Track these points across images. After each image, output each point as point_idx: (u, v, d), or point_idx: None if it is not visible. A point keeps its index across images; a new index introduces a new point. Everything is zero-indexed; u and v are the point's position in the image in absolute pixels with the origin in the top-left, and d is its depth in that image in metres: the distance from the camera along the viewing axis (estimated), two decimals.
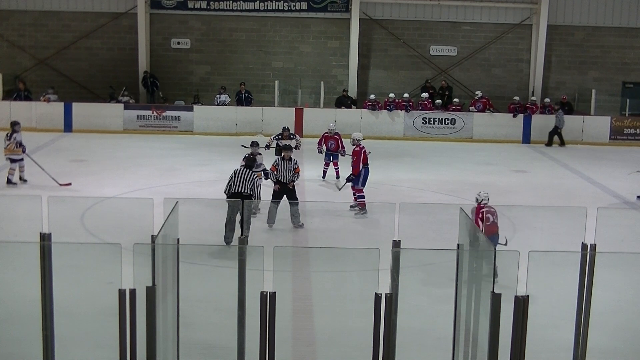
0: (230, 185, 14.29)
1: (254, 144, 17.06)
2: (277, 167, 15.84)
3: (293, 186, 15.85)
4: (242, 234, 12.82)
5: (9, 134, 19.06)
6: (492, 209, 12.25)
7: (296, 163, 16.01)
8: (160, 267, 7.04)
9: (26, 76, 30.45)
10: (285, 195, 15.67)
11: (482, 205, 12.44)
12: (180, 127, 28.67)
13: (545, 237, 14.60)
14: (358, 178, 16.98)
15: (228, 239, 13.63)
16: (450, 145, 27.94)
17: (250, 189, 14.20)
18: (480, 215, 12.26)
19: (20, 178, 19.03)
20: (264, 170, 17.00)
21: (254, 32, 31.35)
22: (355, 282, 8.99)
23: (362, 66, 31.24)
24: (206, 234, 13.59)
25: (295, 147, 20.10)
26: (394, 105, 29.11)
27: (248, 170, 14.45)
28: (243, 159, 14.87)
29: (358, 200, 16.85)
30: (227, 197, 14.17)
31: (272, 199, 15.82)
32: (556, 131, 28.58)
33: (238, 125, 28.55)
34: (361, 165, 17.00)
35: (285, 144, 17.70)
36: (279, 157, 16.24)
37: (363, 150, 17.14)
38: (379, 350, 6.86)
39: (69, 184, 18.70)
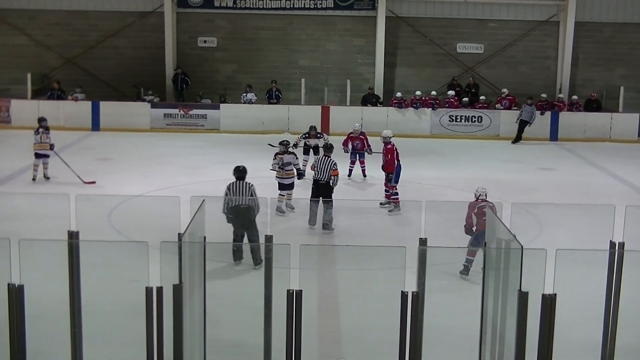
0: (228, 202, 13.30)
1: (284, 143, 17.05)
2: (315, 166, 16.03)
3: (329, 185, 15.75)
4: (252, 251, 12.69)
5: (36, 129, 19.31)
6: (491, 204, 12.21)
7: (335, 165, 15.87)
8: (187, 265, 7.07)
9: (54, 75, 30.63)
10: (320, 195, 15.66)
11: (479, 200, 12.50)
12: (206, 125, 28.74)
13: (573, 235, 14.52)
14: (397, 175, 17.00)
15: (237, 257, 12.96)
16: (476, 143, 27.81)
17: (249, 200, 13.27)
18: (476, 210, 12.33)
19: (44, 176, 19.18)
20: (298, 170, 16.99)
21: (280, 31, 31.37)
22: (382, 281, 8.99)
23: (388, 64, 31.16)
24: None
25: (294, 145, 20.29)
26: (420, 103, 29.04)
27: (241, 181, 13.57)
28: (233, 172, 13.87)
29: (392, 197, 16.85)
30: (228, 215, 13.12)
31: (311, 195, 15.90)
32: (524, 125, 27.92)
33: (264, 123, 28.58)
34: (395, 162, 17.04)
35: (326, 144, 17.68)
36: (320, 156, 16.45)
37: (395, 149, 17.19)
38: (405, 348, 6.86)
39: (94, 182, 18.81)
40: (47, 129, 19.42)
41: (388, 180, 17.15)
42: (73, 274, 7.29)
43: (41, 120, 19.62)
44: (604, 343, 8.07)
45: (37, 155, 19.18)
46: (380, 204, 16.99)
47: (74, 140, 25.58)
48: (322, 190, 15.73)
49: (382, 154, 17.55)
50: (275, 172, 16.61)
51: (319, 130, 21.48)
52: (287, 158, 16.63)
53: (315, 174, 15.85)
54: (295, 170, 16.83)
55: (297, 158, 17.07)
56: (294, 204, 16.63)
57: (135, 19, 30.98)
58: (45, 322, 8.69)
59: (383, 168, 17.35)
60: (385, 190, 17.17)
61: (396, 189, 16.96)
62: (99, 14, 31.02)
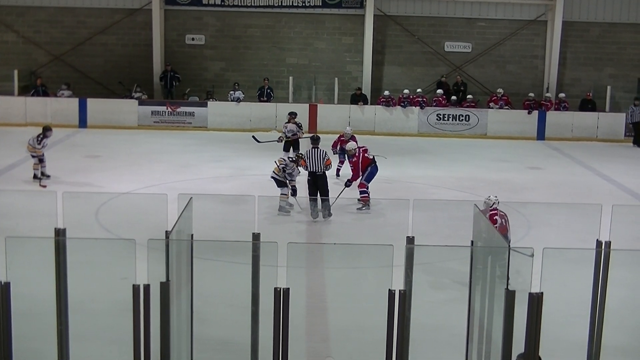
0: None
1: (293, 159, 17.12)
2: (305, 159, 16.35)
3: (324, 175, 16.32)
4: None
5: (40, 138, 18.93)
6: (502, 212, 12.25)
7: (326, 154, 16.54)
8: (174, 262, 7.06)
9: (42, 72, 30.53)
10: (317, 188, 16.24)
11: (490, 209, 12.41)
12: (194, 123, 28.73)
13: (560, 234, 14.58)
14: (369, 175, 17.05)
15: None
16: (464, 142, 27.87)
17: None
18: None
19: (43, 174, 18.97)
20: (294, 187, 16.78)
21: (268, 29, 31.35)
22: (369, 279, 9.00)
23: (376, 62, 31.18)
24: (220, 229, 13.60)
25: (279, 140, 20.52)
26: (408, 101, 29.07)
27: None
28: None
29: (361, 195, 16.89)
30: None
31: (309, 190, 16.33)
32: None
33: (252, 121, 28.57)
34: (360, 173, 17.04)
35: (313, 136, 17.73)
36: (308, 149, 16.65)
37: (361, 155, 17.19)
38: (392, 347, 6.86)
39: (44, 186, 18.51)
40: (45, 143, 19.08)
41: (345, 186, 17.18)
42: (60, 272, 7.25)
43: (47, 129, 19.24)
44: (591, 341, 8.09)
45: (32, 156, 18.99)
46: (358, 209, 16.94)
47: (62, 137, 25.47)
48: (319, 181, 16.26)
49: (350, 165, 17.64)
50: (276, 168, 16.48)
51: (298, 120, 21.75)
52: (296, 172, 16.67)
53: (309, 168, 16.06)
54: (289, 184, 16.63)
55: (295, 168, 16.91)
56: (291, 201, 16.63)
57: (123, 16, 30.91)
58: (32, 320, 8.66)
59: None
60: (361, 192, 17.08)
61: (365, 187, 16.97)
62: (87, 11, 30.94)
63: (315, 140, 17.00)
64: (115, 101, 29.27)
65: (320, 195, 16.07)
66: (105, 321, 9.84)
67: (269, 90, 29.66)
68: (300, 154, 17.15)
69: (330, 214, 15.83)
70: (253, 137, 21.14)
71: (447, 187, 19.58)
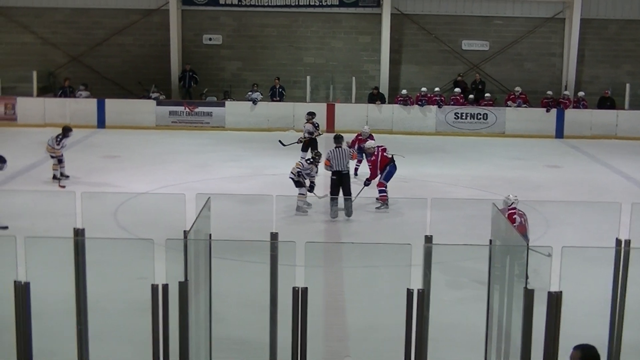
0: None
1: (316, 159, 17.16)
2: (330, 159, 16.33)
3: (349, 174, 16.48)
4: None
5: (59, 138, 18.99)
6: (521, 212, 12.19)
7: (349, 151, 16.84)
8: (192, 262, 7.07)
9: (59, 73, 30.67)
10: (341, 186, 16.25)
11: (509, 208, 12.34)
12: (212, 123, 28.76)
13: (579, 233, 14.51)
14: (388, 174, 17.03)
15: None
16: (482, 140, 27.79)
17: None
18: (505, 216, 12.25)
19: (62, 174, 19.00)
20: (312, 183, 16.83)
21: (285, 28, 31.36)
22: (387, 278, 8.98)
23: (393, 61, 31.13)
24: (238, 229, 13.63)
25: (298, 141, 20.54)
26: (425, 100, 29.01)
27: None
28: None
29: (380, 194, 16.88)
30: None
31: (331, 190, 16.32)
32: None
33: (270, 120, 28.59)
34: (378, 172, 17.02)
35: (336, 135, 17.72)
36: (332, 149, 16.65)
37: (380, 154, 17.18)
38: (410, 346, 6.85)
39: (63, 187, 18.59)
40: (65, 143, 19.15)
41: (365, 185, 17.16)
42: (79, 272, 7.29)
43: (67, 130, 19.29)
44: (611, 341, 8.04)
45: (52, 157, 19.05)
46: (377, 208, 16.94)
47: (80, 137, 25.54)
48: (344, 180, 16.29)
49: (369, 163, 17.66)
50: (294, 172, 16.45)
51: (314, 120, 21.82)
52: (314, 171, 16.67)
53: (334, 167, 16.07)
54: (308, 182, 16.65)
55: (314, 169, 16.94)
56: (309, 199, 16.64)
57: (140, 17, 30.99)
58: (51, 320, 8.70)
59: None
60: (379, 191, 17.08)
61: (384, 186, 16.95)
62: (104, 12, 31.04)
63: (338, 139, 16.99)
64: (133, 102, 29.37)
65: (344, 195, 16.10)
66: (123, 321, 9.88)
67: (280, 90, 29.67)
68: (319, 152, 17.13)
69: (351, 213, 15.83)
70: (280, 141, 21.11)
71: (465, 186, 19.52)
